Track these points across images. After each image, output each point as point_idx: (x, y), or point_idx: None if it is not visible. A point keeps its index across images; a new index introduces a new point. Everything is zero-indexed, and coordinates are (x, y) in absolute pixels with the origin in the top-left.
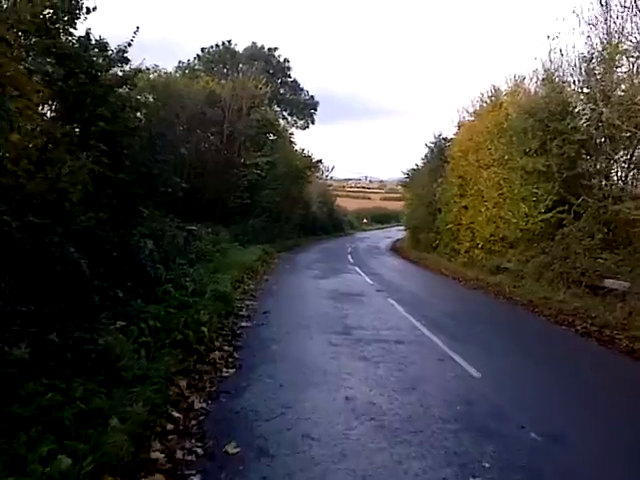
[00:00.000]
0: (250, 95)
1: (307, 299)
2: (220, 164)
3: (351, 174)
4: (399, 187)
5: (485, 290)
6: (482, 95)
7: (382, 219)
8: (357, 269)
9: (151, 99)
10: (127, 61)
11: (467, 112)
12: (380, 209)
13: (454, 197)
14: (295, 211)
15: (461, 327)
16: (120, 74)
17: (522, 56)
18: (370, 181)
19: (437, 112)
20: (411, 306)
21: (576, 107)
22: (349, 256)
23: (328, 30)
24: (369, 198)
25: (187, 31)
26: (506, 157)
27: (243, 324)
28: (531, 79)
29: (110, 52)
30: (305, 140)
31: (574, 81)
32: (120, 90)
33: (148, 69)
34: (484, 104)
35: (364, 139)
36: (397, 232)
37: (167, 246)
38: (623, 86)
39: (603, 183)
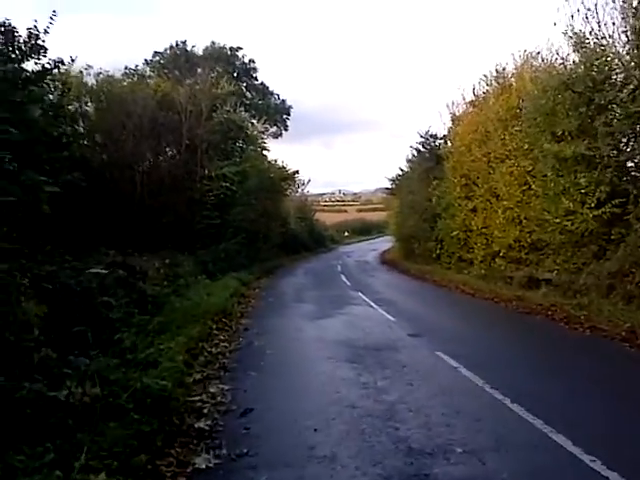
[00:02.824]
0: (211, 96)
1: (310, 368)
2: (179, 178)
3: (324, 189)
4: (376, 198)
5: (540, 315)
6: (486, 79)
7: (363, 231)
8: (361, 295)
9: (90, 109)
10: (43, 50)
11: (463, 104)
12: (359, 221)
13: (457, 200)
14: (273, 229)
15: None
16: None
17: (522, 34)
18: (344, 194)
19: (408, 121)
20: (489, 370)
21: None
22: (342, 277)
23: (292, 42)
24: (345, 211)
25: (137, 35)
26: (525, 146)
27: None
28: (551, 50)
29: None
30: (277, 153)
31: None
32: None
33: (73, 60)
34: (489, 89)
35: (334, 153)
36: (381, 243)
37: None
38: None
39: None
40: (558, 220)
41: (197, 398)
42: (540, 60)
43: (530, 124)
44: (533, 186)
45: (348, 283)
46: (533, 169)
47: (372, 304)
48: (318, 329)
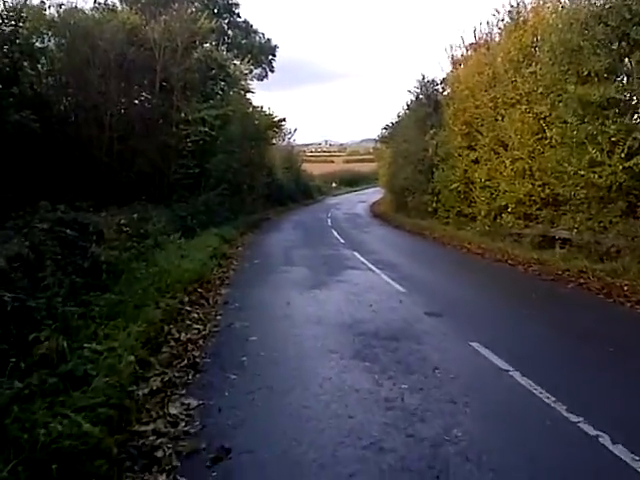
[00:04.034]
0: (188, 31)
1: (308, 371)
2: (152, 122)
3: (310, 139)
4: (363, 148)
5: (571, 283)
6: (497, 14)
7: (350, 182)
8: (357, 255)
9: (52, 44)
10: None
11: (464, 46)
12: (347, 172)
13: (458, 150)
14: (258, 179)
15: None
16: None
17: None
18: (330, 145)
19: (396, 71)
20: (553, 377)
21: None
22: (334, 232)
23: None
24: (332, 162)
25: None
26: (540, 89)
27: None
28: None
29: None
30: (262, 99)
31: None
32: None
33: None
34: (500, 25)
35: (319, 103)
36: (370, 195)
37: None
38: None
39: None
40: (582, 172)
41: (149, 428)
42: None
43: (549, 64)
44: (549, 134)
45: (341, 240)
46: (550, 115)
47: (372, 267)
48: (313, 304)
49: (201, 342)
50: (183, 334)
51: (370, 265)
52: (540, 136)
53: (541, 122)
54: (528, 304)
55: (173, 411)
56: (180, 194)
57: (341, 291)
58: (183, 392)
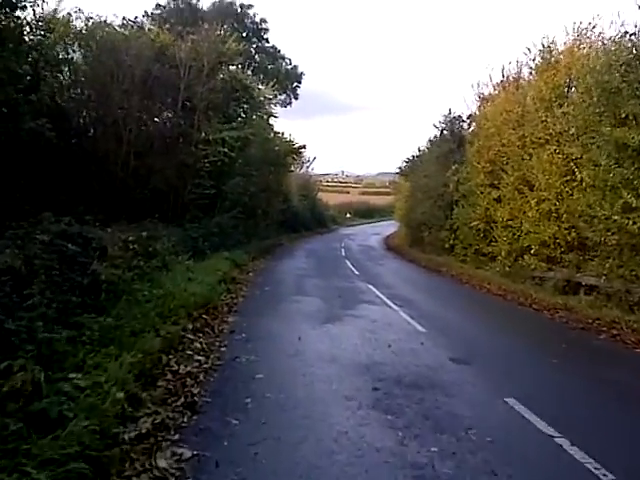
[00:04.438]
0: (215, 52)
1: (321, 421)
2: (172, 140)
3: (327, 169)
4: (379, 181)
5: (603, 334)
6: (529, 53)
7: (365, 214)
8: (372, 289)
9: (77, 55)
10: None
11: (492, 84)
12: (362, 203)
13: (480, 187)
14: (274, 205)
15: None
16: None
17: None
18: (347, 176)
19: (416, 107)
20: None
21: None
22: (348, 263)
23: (303, 13)
24: (348, 192)
25: None
26: (572, 130)
27: None
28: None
29: None
30: (283, 126)
31: None
32: None
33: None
34: (531, 65)
35: (337, 134)
36: (384, 227)
37: None
38: None
39: None
40: (615, 217)
41: None
42: (597, 35)
43: (583, 105)
44: (579, 176)
45: (355, 272)
46: (581, 157)
47: (389, 303)
48: (327, 340)
49: (202, 377)
50: (183, 366)
51: (386, 300)
52: (569, 178)
53: (571, 164)
54: (560, 354)
55: (162, 464)
56: (194, 214)
57: (356, 327)
58: (176, 438)
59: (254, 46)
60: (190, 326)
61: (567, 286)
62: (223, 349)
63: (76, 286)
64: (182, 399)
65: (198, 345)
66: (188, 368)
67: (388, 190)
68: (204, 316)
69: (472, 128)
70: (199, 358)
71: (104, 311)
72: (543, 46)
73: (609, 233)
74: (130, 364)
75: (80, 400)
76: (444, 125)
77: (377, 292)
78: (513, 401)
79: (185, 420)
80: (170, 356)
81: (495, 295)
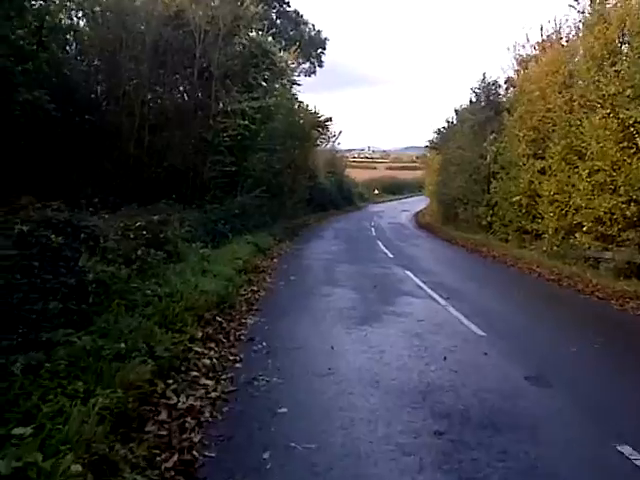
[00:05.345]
0: (232, 15)
1: None
2: (188, 112)
3: (353, 145)
4: (406, 156)
5: None
6: (576, 5)
7: (393, 189)
8: (411, 276)
9: (82, 23)
10: None
11: (535, 43)
12: (390, 178)
13: (522, 158)
14: (300, 182)
15: None
16: None
17: None
18: (373, 151)
19: (443, 80)
20: None
21: None
22: (379, 244)
23: None
24: (375, 168)
25: None
26: (628, 91)
27: None
28: None
29: None
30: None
31: None
32: None
33: None
34: (580, 18)
35: (363, 108)
36: (413, 203)
37: None
38: None
39: None
40: None
41: None
42: None
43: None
44: None
45: (389, 254)
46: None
47: (433, 295)
48: (366, 349)
49: (207, 413)
50: (183, 397)
51: (429, 291)
52: (627, 144)
53: (630, 129)
54: None
55: None
56: (214, 194)
57: (400, 330)
58: None
59: (274, 11)
60: (199, 334)
61: (628, 268)
62: (238, 366)
63: (57, 288)
64: (176, 456)
65: (207, 362)
66: (190, 400)
67: (416, 165)
68: (218, 318)
69: (510, 94)
70: (206, 382)
71: (89, 321)
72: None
73: None
74: (103, 405)
75: None
76: (479, 91)
77: (417, 280)
78: (629, 450)
79: None
80: (169, 381)
81: (548, 280)
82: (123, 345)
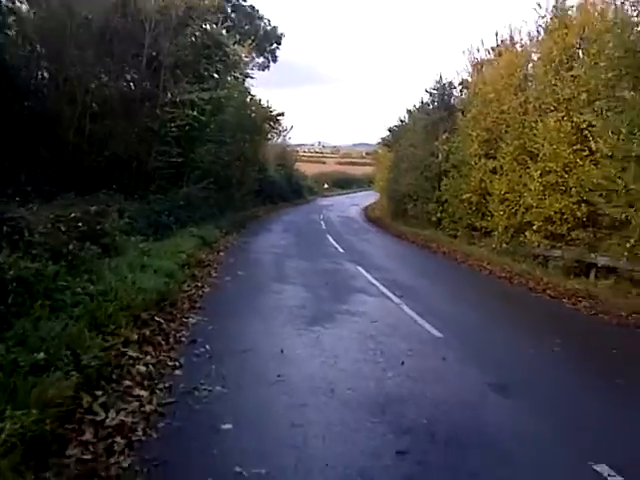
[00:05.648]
0: (185, 5)
1: None
2: (135, 101)
3: (303, 140)
4: (355, 152)
5: None
6: (539, 9)
7: (342, 184)
8: (363, 272)
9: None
10: None
11: (491, 47)
12: (339, 173)
13: (474, 157)
14: (250, 175)
15: None
16: None
17: None
18: (323, 146)
19: (391, 78)
20: None
21: None
22: (330, 238)
23: None
24: (324, 162)
25: None
26: (582, 96)
27: None
28: None
29: None
30: (259, 94)
31: None
32: None
33: None
34: (541, 23)
35: (314, 105)
36: (362, 198)
37: None
38: None
39: None
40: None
41: None
42: None
43: (596, 67)
44: (595, 146)
45: (340, 249)
46: (594, 125)
47: (387, 292)
48: (318, 353)
49: (140, 431)
50: (112, 412)
51: (382, 288)
52: (579, 147)
53: (584, 132)
54: (624, 373)
55: None
56: (159, 185)
57: (354, 331)
58: None
59: (229, 4)
60: (135, 336)
61: (576, 267)
62: (177, 372)
63: None
64: None
65: (142, 368)
66: (120, 415)
67: (365, 161)
68: (157, 318)
69: (464, 95)
70: (140, 393)
71: (10, 325)
72: (557, 1)
73: (632, 209)
74: (17, 432)
75: None
76: (435, 92)
77: (369, 277)
78: (607, 470)
79: None
80: (98, 392)
81: (500, 278)
82: (42, 355)
